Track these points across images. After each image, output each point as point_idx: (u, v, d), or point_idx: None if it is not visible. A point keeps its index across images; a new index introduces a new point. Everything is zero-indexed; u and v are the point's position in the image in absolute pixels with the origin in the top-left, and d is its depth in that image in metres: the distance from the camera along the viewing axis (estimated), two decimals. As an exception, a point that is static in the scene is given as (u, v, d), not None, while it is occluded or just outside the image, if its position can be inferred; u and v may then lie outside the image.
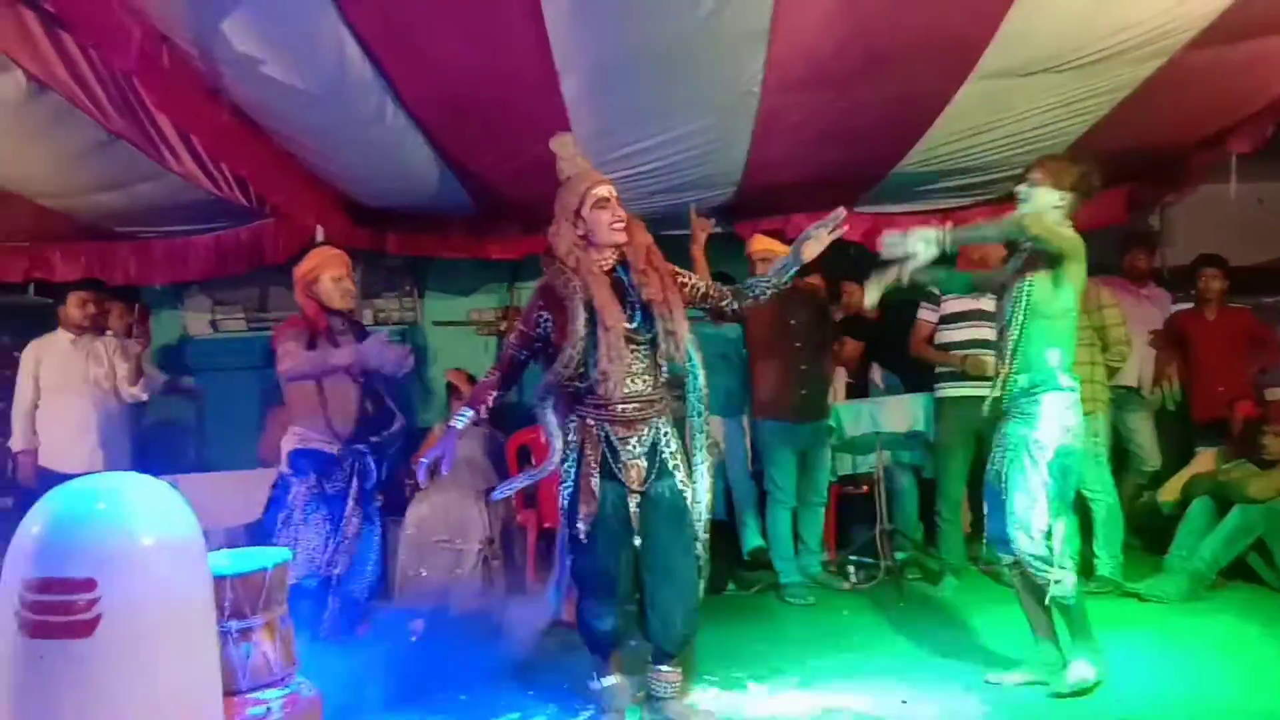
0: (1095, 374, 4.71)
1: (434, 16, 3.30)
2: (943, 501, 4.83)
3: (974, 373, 4.51)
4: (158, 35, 3.33)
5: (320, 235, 5.08)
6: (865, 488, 5.39)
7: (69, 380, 4.86)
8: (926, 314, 4.85)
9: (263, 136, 4.21)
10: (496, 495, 3.33)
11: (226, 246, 5.71)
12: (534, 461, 5.24)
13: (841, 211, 3.18)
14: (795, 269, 3.20)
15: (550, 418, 3.09)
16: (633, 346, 3.01)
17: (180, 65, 3.52)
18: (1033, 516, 3.19)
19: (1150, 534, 5.15)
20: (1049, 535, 3.20)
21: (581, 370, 2.98)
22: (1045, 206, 3.30)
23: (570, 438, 3.08)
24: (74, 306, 4.92)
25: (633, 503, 3.06)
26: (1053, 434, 3.21)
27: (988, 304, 4.68)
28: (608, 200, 3.06)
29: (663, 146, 4.46)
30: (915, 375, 5.43)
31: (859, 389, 5.71)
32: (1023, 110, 4.28)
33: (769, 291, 3.25)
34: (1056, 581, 3.18)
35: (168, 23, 3.30)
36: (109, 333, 5.08)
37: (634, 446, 3.05)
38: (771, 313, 4.87)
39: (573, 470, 3.07)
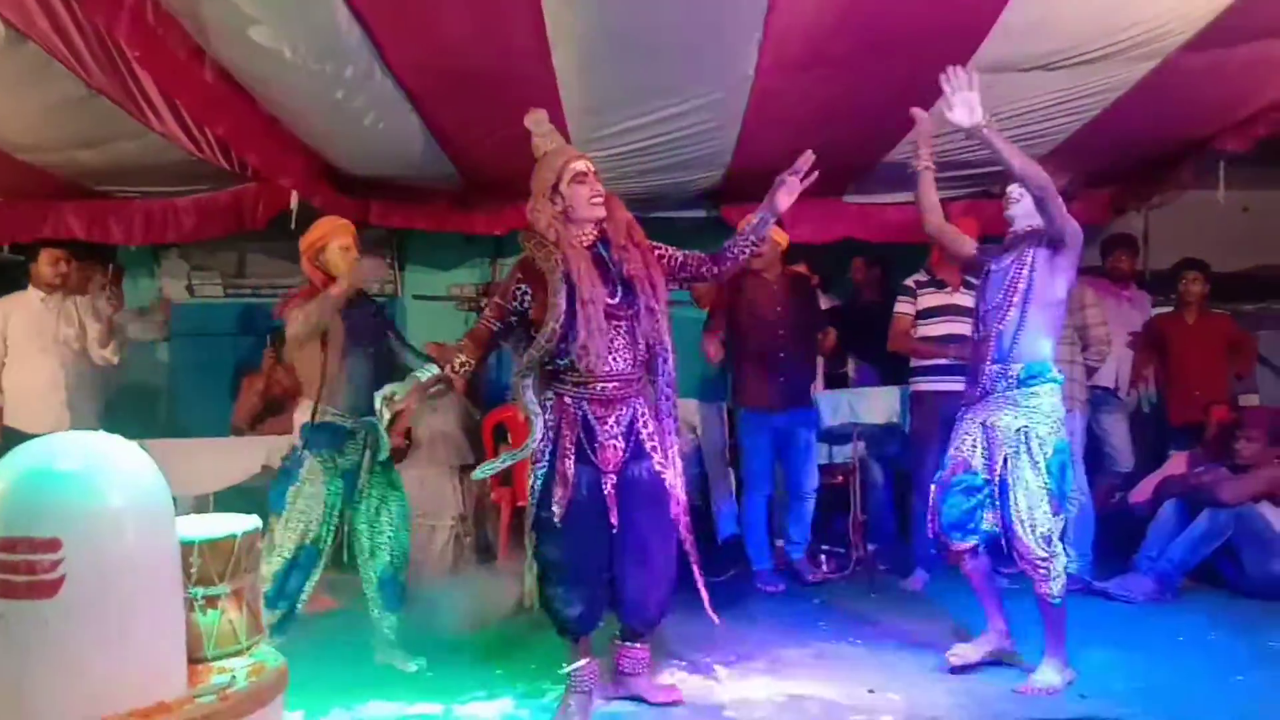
0: (1074, 373, 4.73)
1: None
2: (917, 494, 4.84)
3: None
4: (141, -12, 3.26)
5: (294, 200, 5.00)
6: (840, 478, 5.40)
7: (39, 339, 4.78)
8: (904, 306, 4.85)
9: (246, 98, 4.13)
10: (477, 475, 3.29)
11: (206, 209, 5.62)
12: (510, 440, 5.22)
13: (810, 154, 3.18)
14: (771, 221, 3.23)
15: (530, 396, 3.04)
16: (614, 322, 2.99)
17: (166, 22, 3.44)
18: (1037, 516, 3.19)
19: (1120, 534, 5.19)
20: (1049, 535, 3.20)
21: (562, 346, 2.95)
22: (1031, 208, 3.36)
23: (547, 416, 3.03)
24: (45, 264, 4.84)
25: (608, 484, 3.02)
26: (1052, 429, 3.23)
27: (962, 299, 4.69)
28: (586, 175, 3.03)
29: (654, 125, 4.41)
30: (890, 367, 5.45)
31: (837, 379, 5.72)
32: (1016, 106, 4.26)
33: (748, 250, 3.25)
34: (1055, 578, 3.21)
35: (153, -23, 3.23)
36: (81, 295, 4.98)
37: (611, 426, 3.02)
38: (754, 299, 4.87)
39: (548, 451, 3.02)
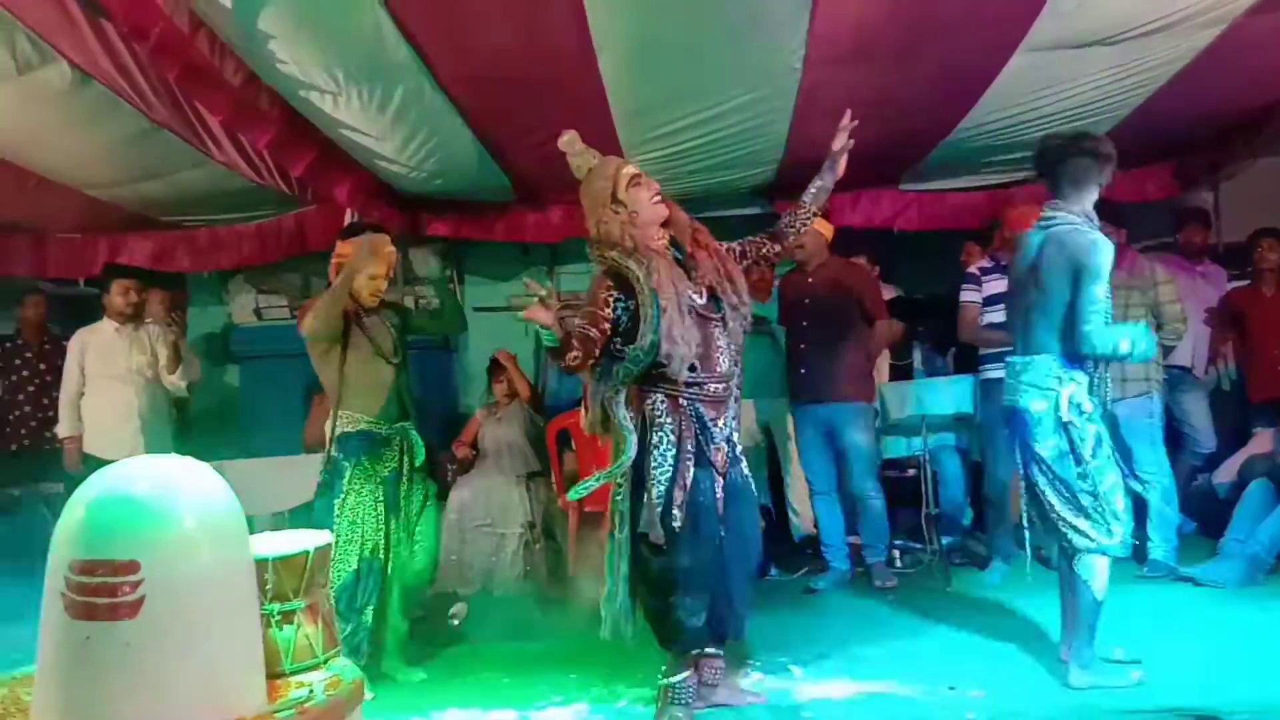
0: (1149, 353, 4.60)
1: (469, -4, 3.28)
2: (990, 485, 4.75)
3: None
4: (195, 22, 3.34)
5: (349, 218, 5.08)
6: (911, 471, 5.31)
7: (113, 368, 4.92)
8: (970, 295, 4.74)
9: (299, 121, 4.22)
10: (573, 496, 3.24)
11: (268, 234, 5.76)
12: (574, 446, 5.23)
13: (849, 115, 3.20)
14: (830, 189, 3.29)
15: (623, 412, 2.94)
16: (710, 324, 2.97)
17: (218, 52, 3.53)
18: (1065, 512, 3.15)
19: (1206, 517, 5.02)
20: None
21: (666, 353, 2.86)
22: None
23: (662, 420, 2.92)
24: (117, 295, 4.99)
25: (719, 488, 2.96)
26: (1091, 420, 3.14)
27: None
28: (640, 176, 3.01)
29: (702, 124, 4.40)
30: (961, 356, 5.35)
31: (903, 370, 5.62)
32: (1073, 84, 4.16)
33: (809, 220, 3.28)
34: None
35: (205, 8, 3.30)
36: (149, 321, 5.13)
37: (722, 427, 2.98)
38: (791, 290, 4.82)
39: (670, 456, 2.90)
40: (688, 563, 2.87)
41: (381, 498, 3.59)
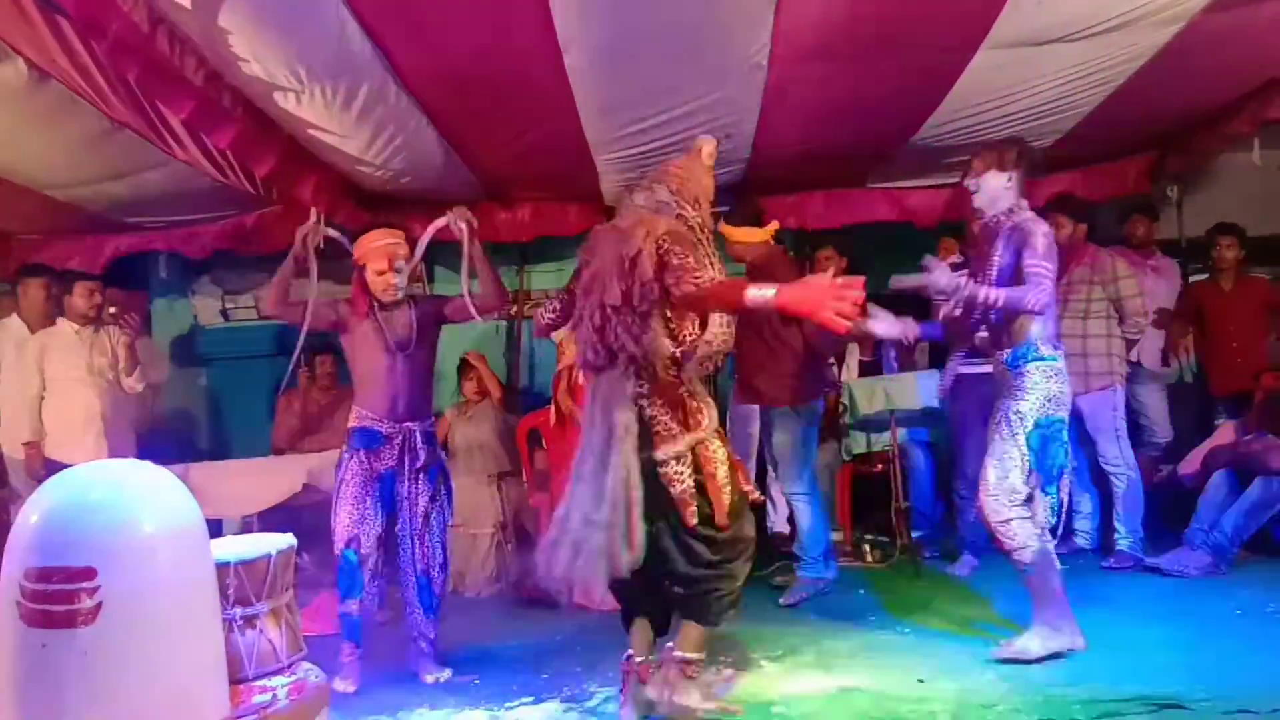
0: (1113, 346, 4.66)
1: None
2: (960, 479, 4.79)
3: None
4: (154, 19, 3.29)
5: (314, 217, 5.03)
6: (880, 466, 5.34)
7: (74, 370, 4.84)
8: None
9: (263, 120, 4.18)
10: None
11: (232, 233, 5.70)
12: (545, 445, 5.22)
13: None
14: None
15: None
16: None
17: (178, 50, 3.49)
18: (1005, 484, 3.28)
19: (1170, 508, 5.09)
20: (1026, 503, 3.29)
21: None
22: (997, 189, 3.43)
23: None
24: (80, 297, 4.90)
25: None
26: (1034, 405, 3.30)
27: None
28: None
29: (669, 123, 4.38)
30: (932, 351, 5.38)
31: (872, 366, 5.66)
32: (1037, 81, 4.19)
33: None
34: (1023, 546, 3.28)
35: (165, 5, 3.26)
36: (111, 317, 5.04)
37: None
38: None
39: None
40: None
41: (378, 495, 3.62)
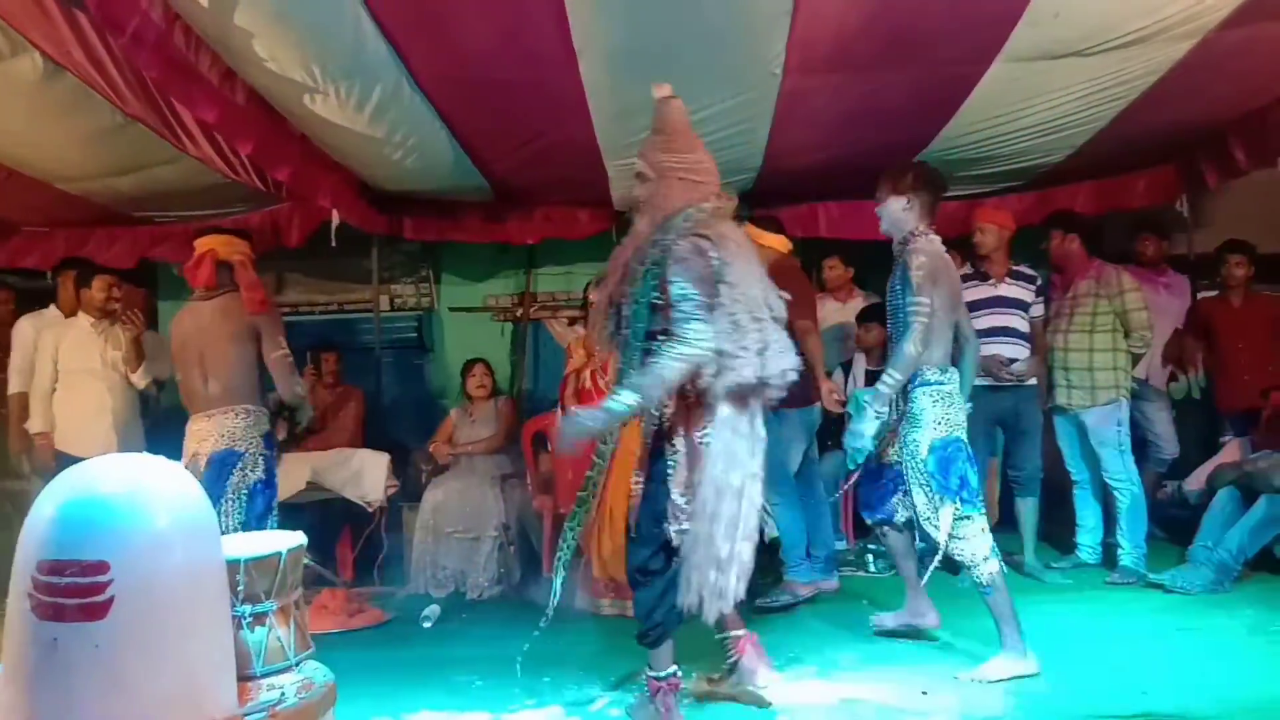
0: (1118, 360, 4.66)
1: (451, -5, 3.27)
2: (964, 491, 4.78)
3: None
4: (171, 16, 3.30)
5: (335, 219, 5.05)
6: (885, 476, 5.32)
7: (87, 363, 4.85)
8: None
9: (277, 119, 4.19)
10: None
11: (241, 230, 5.70)
12: (549, 448, 5.22)
13: None
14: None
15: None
16: None
17: (194, 46, 3.50)
18: (931, 511, 3.38)
19: (1175, 524, 5.08)
20: (966, 520, 3.38)
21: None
22: (897, 213, 3.53)
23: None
24: (99, 290, 4.90)
25: None
26: (926, 430, 3.41)
27: (1007, 289, 4.65)
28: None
29: (683, 129, 4.38)
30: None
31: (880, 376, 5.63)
32: (1052, 95, 4.18)
33: None
34: (974, 565, 3.37)
35: (182, 4, 3.27)
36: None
37: None
38: None
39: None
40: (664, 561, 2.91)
41: None
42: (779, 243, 4.47)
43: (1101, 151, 4.91)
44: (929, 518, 3.40)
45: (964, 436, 3.46)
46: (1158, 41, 3.68)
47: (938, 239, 3.53)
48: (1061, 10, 3.43)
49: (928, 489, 3.39)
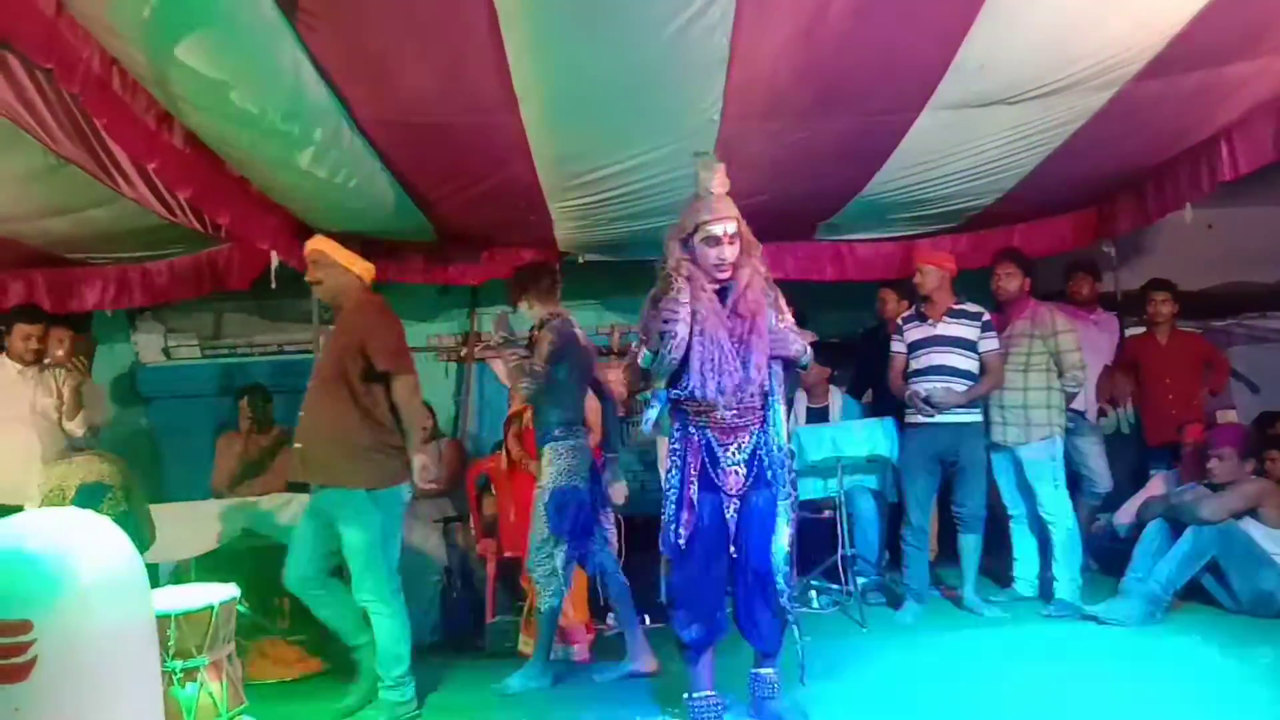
0: (1052, 399, 4.77)
1: (392, 41, 3.28)
2: (907, 527, 4.84)
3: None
4: (108, 59, 3.28)
5: (275, 260, 5.01)
6: (827, 513, 5.38)
7: (15, 409, 4.69)
8: (897, 345, 4.91)
9: (216, 161, 4.16)
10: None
11: (181, 272, 5.63)
12: (493, 490, 5.19)
13: None
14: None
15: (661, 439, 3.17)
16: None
17: (131, 88, 3.47)
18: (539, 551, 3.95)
19: (1108, 556, 5.19)
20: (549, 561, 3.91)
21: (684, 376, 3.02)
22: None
23: (674, 446, 3.14)
24: (18, 339, 4.77)
25: (730, 509, 3.11)
26: (549, 479, 3.97)
27: (945, 328, 4.74)
28: (719, 239, 3.08)
29: (623, 174, 4.44)
30: (878, 399, 5.46)
31: (820, 413, 5.72)
32: (979, 141, 4.33)
33: None
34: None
35: (119, 46, 3.25)
36: (47, 362, 4.89)
37: (734, 453, 3.11)
38: None
39: (676, 479, 3.12)
40: (682, 577, 3.11)
41: None
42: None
43: (1030, 195, 5.07)
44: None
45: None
46: (1078, 91, 3.84)
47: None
48: (986, 62, 3.57)
49: (539, 531, 4.00)
